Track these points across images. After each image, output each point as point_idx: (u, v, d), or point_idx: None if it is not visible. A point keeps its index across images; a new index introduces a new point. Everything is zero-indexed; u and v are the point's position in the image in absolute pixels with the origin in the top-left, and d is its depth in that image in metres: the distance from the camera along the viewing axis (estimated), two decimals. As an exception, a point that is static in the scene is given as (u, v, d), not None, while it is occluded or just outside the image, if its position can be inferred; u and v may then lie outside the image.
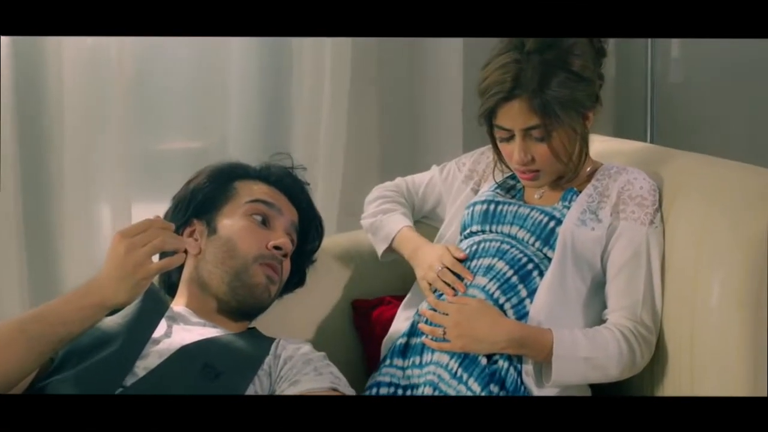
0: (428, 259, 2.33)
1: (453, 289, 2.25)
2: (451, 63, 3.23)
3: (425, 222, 2.56)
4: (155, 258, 1.96)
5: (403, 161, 3.22)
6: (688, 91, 3.38)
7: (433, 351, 2.22)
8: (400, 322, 2.36)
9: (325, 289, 2.49)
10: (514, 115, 2.20)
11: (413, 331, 2.29)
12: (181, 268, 2.22)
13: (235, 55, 3.03)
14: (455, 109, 3.24)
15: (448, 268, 2.27)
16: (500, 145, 2.28)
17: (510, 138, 2.23)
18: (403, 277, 2.44)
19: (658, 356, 2.16)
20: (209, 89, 3.02)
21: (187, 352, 2.04)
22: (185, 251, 2.07)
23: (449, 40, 3.19)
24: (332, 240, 2.42)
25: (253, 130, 3.07)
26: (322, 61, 3.06)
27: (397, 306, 2.42)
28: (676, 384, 2.13)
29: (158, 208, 3.01)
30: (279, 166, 2.35)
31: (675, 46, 3.39)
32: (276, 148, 3.05)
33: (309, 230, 2.34)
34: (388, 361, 2.30)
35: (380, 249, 2.46)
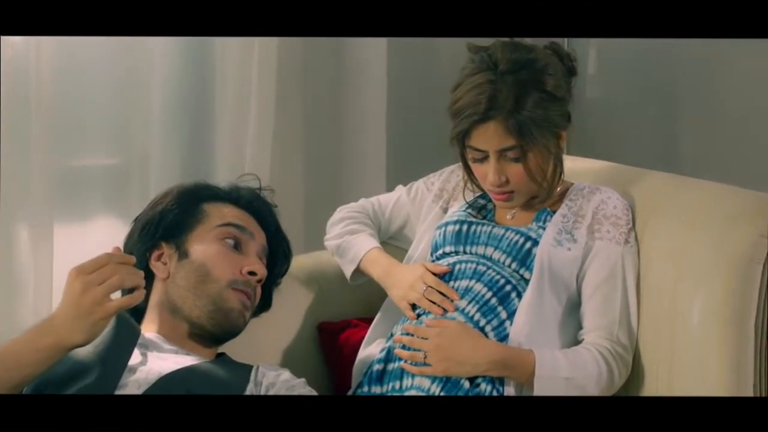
0: (407, 279, 2.28)
1: (443, 309, 2.22)
2: (375, 79, 3.21)
3: (391, 243, 2.52)
4: (115, 295, 1.87)
5: (327, 181, 3.18)
6: (604, 107, 3.43)
7: (413, 376, 2.18)
8: (372, 347, 2.32)
9: (289, 311, 2.44)
10: (489, 137, 2.18)
11: (389, 357, 2.25)
12: (147, 292, 2.14)
13: (157, 69, 2.92)
14: (379, 126, 3.22)
15: (432, 287, 2.25)
16: (473, 166, 2.26)
17: (484, 159, 2.22)
18: (368, 299, 2.41)
19: (637, 375, 2.18)
20: (130, 104, 2.91)
21: (168, 381, 1.97)
22: (152, 282, 2.05)
23: (374, 51, 3.16)
24: (296, 261, 2.36)
25: (175, 146, 2.98)
26: (248, 75, 2.99)
27: (364, 329, 2.38)
28: (655, 402, 2.16)
29: (79, 226, 2.94)
30: (248, 188, 2.29)
31: (592, 62, 3.44)
32: (199, 164, 3.00)
33: (277, 253, 2.29)
34: (366, 388, 2.25)
35: (348, 271, 2.42)
